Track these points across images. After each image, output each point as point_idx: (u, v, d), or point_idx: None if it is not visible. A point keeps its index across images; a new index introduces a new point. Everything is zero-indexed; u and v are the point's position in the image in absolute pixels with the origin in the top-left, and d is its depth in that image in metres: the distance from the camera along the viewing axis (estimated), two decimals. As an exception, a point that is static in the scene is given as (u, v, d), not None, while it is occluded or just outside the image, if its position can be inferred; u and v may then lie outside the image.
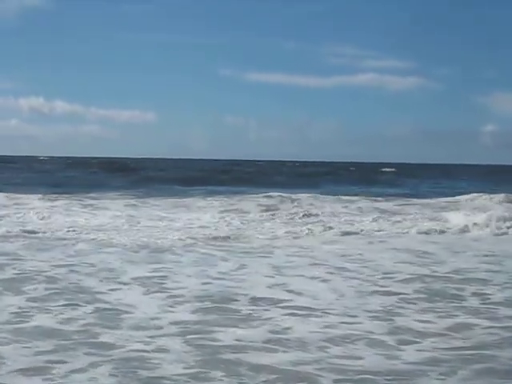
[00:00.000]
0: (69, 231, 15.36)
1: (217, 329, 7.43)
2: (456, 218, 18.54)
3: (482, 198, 25.29)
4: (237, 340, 7.04)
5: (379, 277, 10.69)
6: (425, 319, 8.00)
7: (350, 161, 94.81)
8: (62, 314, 7.93)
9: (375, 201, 24.73)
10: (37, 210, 19.27)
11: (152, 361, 6.35)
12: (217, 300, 8.79)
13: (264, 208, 21.62)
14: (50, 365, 6.17)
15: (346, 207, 22.19)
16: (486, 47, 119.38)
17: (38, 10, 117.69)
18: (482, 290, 9.77)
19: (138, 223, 17.18)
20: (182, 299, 8.81)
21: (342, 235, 16.31)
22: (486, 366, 6.37)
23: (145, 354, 6.51)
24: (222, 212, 20.48)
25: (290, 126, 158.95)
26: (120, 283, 9.80)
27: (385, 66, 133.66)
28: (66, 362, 6.24)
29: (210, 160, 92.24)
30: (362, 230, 16.86)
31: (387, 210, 21.39)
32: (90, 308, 8.24)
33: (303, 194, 26.29)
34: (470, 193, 26.99)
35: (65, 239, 14.37)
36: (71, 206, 21.26)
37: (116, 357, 6.41)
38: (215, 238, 15.05)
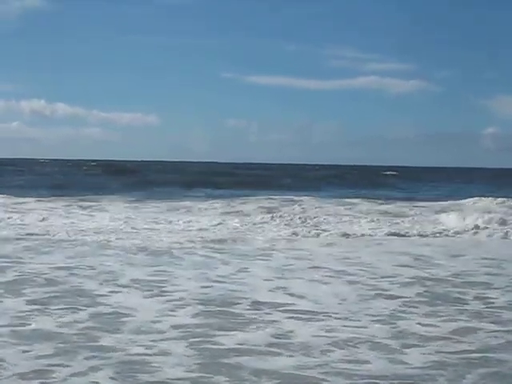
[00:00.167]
0: (68, 233, 15.35)
1: (218, 332, 7.36)
2: (453, 221, 18.60)
3: (482, 202, 25.26)
4: (239, 344, 6.97)
5: (379, 280, 10.65)
6: (428, 323, 7.93)
7: (351, 164, 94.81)
8: (61, 317, 7.86)
9: (375, 204, 24.69)
10: (37, 213, 19.24)
11: (153, 364, 6.28)
12: (218, 303, 8.72)
13: (265, 211, 21.56)
14: (50, 368, 6.10)
15: (346, 210, 22.17)
16: (487, 49, 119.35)
17: (39, 12, 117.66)
18: (484, 293, 9.72)
19: (138, 226, 17.10)
20: (182, 302, 8.74)
21: (341, 238, 16.33)
22: (493, 370, 6.31)
23: (145, 358, 6.45)
24: (222, 215, 20.45)
25: (291, 129, 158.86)
26: (120, 286, 9.74)
27: (386, 69, 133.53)
28: (66, 366, 6.17)
29: (212, 163, 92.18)
30: (360, 233, 16.89)
31: (386, 213, 21.40)
32: (90, 311, 8.17)
33: (304, 197, 26.31)
34: (471, 196, 26.98)
35: (64, 241, 14.33)
36: (71, 208, 21.23)
37: (116, 360, 6.34)
38: (214, 241, 15.01)
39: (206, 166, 74.42)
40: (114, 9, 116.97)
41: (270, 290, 9.68)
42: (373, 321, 7.97)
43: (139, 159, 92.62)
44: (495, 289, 10.08)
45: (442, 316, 8.28)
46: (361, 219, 19.40)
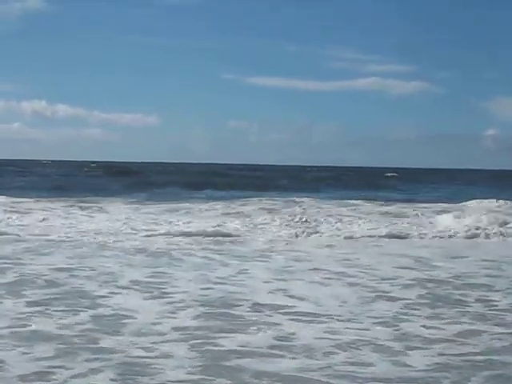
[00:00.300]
0: (68, 234, 15.34)
1: (219, 335, 7.31)
2: (452, 223, 18.57)
3: (482, 204, 25.26)
4: (240, 346, 6.92)
5: (380, 282, 10.61)
6: (431, 325, 7.89)
7: (352, 165, 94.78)
8: (62, 318, 7.81)
9: (375, 205, 24.63)
10: (36, 213, 19.18)
11: (154, 367, 6.24)
12: (218, 305, 8.67)
13: (265, 212, 21.54)
14: (51, 370, 6.06)
15: (346, 211, 22.11)
16: (487, 50, 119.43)
17: (40, 12, 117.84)
18: (485, 295, 9.68)
19: (137, 227, 17.02)
20: (183, 304, 8.69)
21: (340, 239, 16.36)
22: (498, 372, 6.26)
23: (146, 360, 6.40)
24: (222, 216, 20.41)
25: (291, 130, 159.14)
26: (120, 287, 9.70)
27: (386, 70, 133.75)
28: (66, 368, 6.12)
29: (212, 164, 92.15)
30: (360, 235, 16.92)
31: (386, 215, 21.34)
32: (90, 313, 8.12)
33: (305, 198, 26.28)
34: (471, 198, 26.98)
35: (64, 242, 14.32)
36: (71, 209, 21.15)
37: (117, 362, 6.29)
38: (214, 242, 15.01)
39: (206, 167, 74.38)
40: (115, 10, 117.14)
41: (270, 292, 9.64)
42: (375, 323, 7.92)
43: (140, 160, 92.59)
44: (497, 291, 10.04)
45: (445, 318, 8.24)
46: (360, 221, 19.34)
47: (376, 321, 8.02)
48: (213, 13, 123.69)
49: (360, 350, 6.86)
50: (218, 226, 17.32)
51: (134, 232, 16.15)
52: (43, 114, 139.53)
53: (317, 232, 17.11)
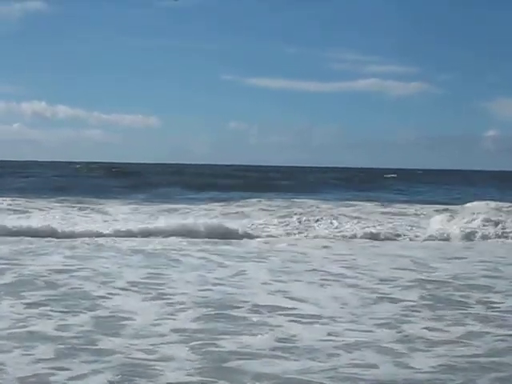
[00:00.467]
0: (66, 235, 15.38)
1: (220, 336, 7.24)
2: (448, 224, 18.56)
3: (480, 205, 25.24)
4: (241, 348, 6.86)
5: (379, 283, 10.57)
6: (434, 327, 7.84)
7: (352, 166, 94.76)
8: (61, 319, 7.76)
9: (374, 206, 24.50)
10: (36, 214, 19.13)
11: (153, 368, 6.18)
12: (218, 307, 8.61)
13: (264, 212, 21.50)
14: (50, 371, 6.02)
15: (344, 212, 22.02)
16: (488, 52, 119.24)
17: (40, 14, 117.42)
18: (487, 297, 9.64)
19: (136, 227, 16.93)
20: (182, 306, 8.63)
21: (336, 240, 16.46)
22: (504, 374, 6.22)
23: (146, 362, 6.35)
24: (221, 217, 20.36)
25: (291, 131, 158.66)
26: (118, 289, 9.64)
27: (387, 72, 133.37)
28: (66, 369, 6.07)
29: (212, 165, 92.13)
30: (356, 235, 17.03)
31: (384, 216, 21.26)
32: (89, 314, 8.06)
33: (304, 199, 26.26)
34: (470, 199, 26.98)
35: (62, 243, 14.34)
36: (70, 209, 21.08)
37: (117, 364, 6.24)
38: (211, 242, 15.05)
39: (206, 169, 74.35)
40: (115, 11, 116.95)
41: (269, 294, 9.58)
42: (377, 325, 7.87)
43: (140, 161, 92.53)
44: (497, 292, 10.01)
45: (447, 320, 8.19)
46: (358, 221, 19.31)
47: (378, 322, 7.97)
48: (213, 14, 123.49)
49: (363, 351, 6.81)
50: (217, 226, 17.30)
51: (133, 232, 16.12)
52: (43, 115, 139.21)
53: (314, 232, 17.13)
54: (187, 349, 6.79)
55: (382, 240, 16.80)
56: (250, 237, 16.33)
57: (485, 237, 17.37)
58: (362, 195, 32.67)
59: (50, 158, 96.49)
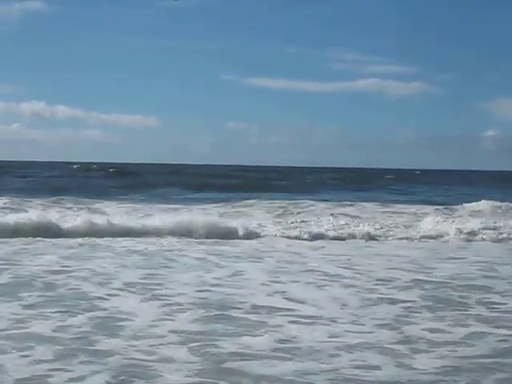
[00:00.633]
0: (64, 234, 15.36)
1: (219, 337, 7.18)
2: (442, 225, 18.59)
3: (478, 205, 25.22)
4: (241, 349, 6.79)
5: (377, 284, 10.52)
6: (435, 328, 7.78)
7: (352, 166, 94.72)
8: (59, 320, 7.69)
9: (371, 206, 24.43)
10: (34, 214, 19.01)
11: (153, 370, 6.12)
12: (217, 307, 8.55)
13: (263, 212, 21.57)
14: (49, 373, 5.96)
15: (341, 212, 22.04)
16: (487, 52, 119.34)
17: (40, 14, 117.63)
18: (486, 297, 9.60)
19: (135, 227, 16.84)
20: (181, 306, 8.57)
21: (332, 240, 16.54)
22: (509, 375, 6.16)
23: (145, 363, 6.29)
24: (220, 217, 20.30)
25: (291, 131, 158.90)
26: (116, 289, 9.58)
27: (386, 72, 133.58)
28: (64, 371, 6.02)
29: (212, 165, 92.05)
30: (352, 235, 17.12)
31: (380, 216, 21.28)
32: (87, 315, 7.99)
33: (303, 199, 26.19)
34: (468, 199, 26.94)
35: (60, 243, 14.30)
36: (69, 210, 21.03)
37: (115, 365, 6.18)
38: (208, 243, 15.05)
39: (205, 169, 74.31)
40: (114, 11, 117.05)
41: (268, 294, 9.51)
42: (378, 325, 7.80)
43: (139, 161, 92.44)
44: (496, 293, 9.96)
45: (448, 321, 8.13)
46: (355, 221, 19.31)
47: (378, 323, 7.91)
48: (213, 14, 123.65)
49: (364, 353, 6.74)
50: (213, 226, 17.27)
51: (131, 232, 16.06)
52: (42, 115, 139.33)
53: (312, 232, 17.08)
54: (186, 350, 6.72)
55: (378, 240, 16.84)
56: (247, 237, 16.30)
57: (480, 237, 17.34)
58: (360, 195, 32.68)
59: (49, 159, 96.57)
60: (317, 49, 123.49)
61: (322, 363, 6.39)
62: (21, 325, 7.49)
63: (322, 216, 20.09)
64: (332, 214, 20.76)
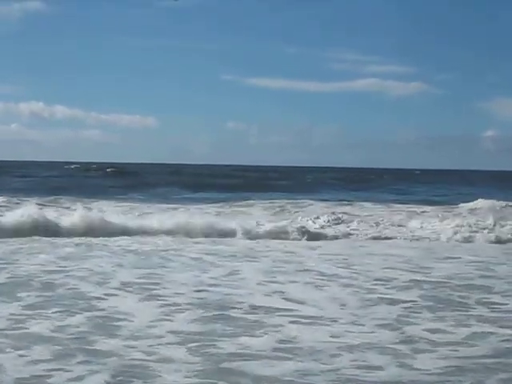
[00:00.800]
0: (61, 234, 15.33)
1: (218, 338, 7.12)
2: (437, 225, 18.59)
3: (476, 205, 25.19)
4: (240, 349, 6.73)
5: (374, 283, 10.46)
6: (436, 328, 7.72)
7: (351, 166, 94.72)
8: (57, 320, 7.64)
9: (370, 206, 24.35)
10: (31, 214, 18.92)
11: (151, 370, 6.07)
12: (215, 307, 8.48)
13: (260, 212, 21.47)
14: (48, 373, 5.91)
15: (341, 212, 21.91)
16: (487, 52, 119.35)
17: (39, 14, 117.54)
18: (486, 297, 9.55)
19: (133, 226, 16.76)
20: (179, 306, 8.51)
21: (329, 239, 16.57)
22: (512, 375, 6.13)
23: (144, 363, 6.24)
24: (218, 216, 20.23)
25: (291, 131, 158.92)
26: (114, 289, 9.53)
27: (386, 71, 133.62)
28: (63, 371, 5.97)
29: (211, 165, 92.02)
30: (348, 235, 17.19)
31: (378, 215, 21.17)
32: (85, 315, 7.94)
33: (302, 199, 26.16)
34: (466, 199, 26.94)
35: (55, 242, 14.28)
36: (67, 209, 20.94)
37: (114, 366, 6.13)
38: (205, 241, 15.06)
39: (205, 169, 74.28)
40: (114, 11, 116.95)
41: (266, 294, 9.44)
42: (378, 326, 7.74)
43: (139, 161, 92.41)
44: (496, 293, 9.91)
45: (449, 321, 8.07)
46: (353, 221, 19.26)
47: (379, 323, 7.84)
48: (213, 14, 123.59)
49: (366, 353, 6.68)
50: (210, 225, 17.25)
51: (130, 231, 16.05)
52: (41, 115, 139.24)
53: (308, 232, 17.09)
54: (185, 350, 6.67)
55: (375, 239, 16.84)
56: (244, 236, 16.25)
57: (475, 236, 17.32)
58: (360, 195, 32.65)
59: (48, 158, 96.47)
60: (317, 49, 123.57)
61: (322, 363, 6.33)
62: (19, 325, 7.43)
63: (320, 215, 20.00)
64: (332, 213, 20.67)
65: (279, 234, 16.65)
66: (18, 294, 8.92)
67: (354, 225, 18.65)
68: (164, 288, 9.67)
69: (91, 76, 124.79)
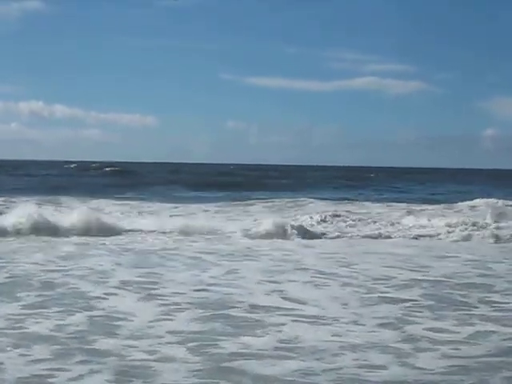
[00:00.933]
0: (59, 233, 15.34)
1: (218, 337, 7.08)
2: (434, 224, 18.55)
3: (473, 203, 25.22)
4: (241, 349, 6.70)
5: (374, 282, 10.42)
6: (438, 327, 7.68)
7: (350, 165, 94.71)
8: (57, 320, 7.61)
9: (369, 205, 24.45)
10: (29, 213, 18.91)
11: (152, 370, 6.04)
12: (215, 307, 8.44)
13: (260, 211, 21.45)
14: (49, 373, 5.89)
15: (339, 210, 21.88)
16: (487, 51, 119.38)
17: (39, 13, 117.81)
18: (486, 296, 9.52)
19: (132, 226, 16.78)
20: (179, 306, 8.47)
21: (327, 238, 16.58)
22: (517, 373, 6.09)
23: (144, 363, 6.21)
24: (217, 215, 20.23)
25: (291, 131, 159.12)
26: (113, 288, 9.50)
27: (386, 70, 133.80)
28: (64, 370, 5.95)
29: (211, 164, 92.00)
30: (347, 234, 17.16)
31: (378, 215, 21.19)
32: (85, 314, 7.91)
33: (301, 198, 26.17)
34: (466, 198, 26.96)
35: (53, 241, 14.28)
36: (64, 208, 20.89)
37: (114, 365, 6.10)
38: (203, 240, 15.07)
39: (204, 168, 74.28)
40: (114, 11, 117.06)
41: (266, 294, 9.40)
42: (380, 325, 7.71)
43: (138, 160, 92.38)
44: (496, 292, 9.89)
45: (451, 319, 8.05)
46: (351, 219, 19.25)
47: (380, 322, 7.82)
48: (212, 13, 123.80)
49: (368, 352, 6.64)
50: (212, 225, 17.22)
51: (128, 231, 16.03)
52: (40, 115, 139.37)
53: (307, 231, 17.10)
54: (185, 349, 6.64)
55: (374, 238, 16.85)
56: (243, 235, 16.24)
57: (472, 235, 17.30)
58: (359, 193, 32.61)
59: (47, 158, 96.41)
60: (316, 48, 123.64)
61: (324, 363, 6.30)
62: (19, 324, 7.41)
63: (319, 214, 19.98)
64: (331, 212, 20.66)
65: (278, 233, 16.60)
66: (18, 294, 8.89)
67: (352, 223, 18.64)
68: (163, 287, 9.64)
69: (91, 75, 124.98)
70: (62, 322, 7.51)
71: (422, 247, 15.32)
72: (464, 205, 24.83)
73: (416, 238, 17.05)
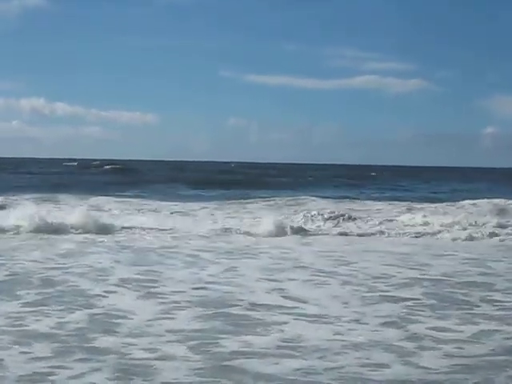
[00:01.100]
0: (61, 231, 15.29)
1: (219, 335, 7.03)
2: (432, 222, 18.51)
3: (472, 203, 25.15)
4: (242, 347, 6.66)
5: (375, 281, 10.38)
6: (441, 326, 7.65)
7: (350, 163, 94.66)
8: (57, 317, 7.59)
9: (367, 204, 24.38)
10: (29, 211, 18.87)
11: (152, 368, 6.01)
12: (215, 305, 8.41)
13: (259, 209, 21.39)
14: (50, 370, 5.86)
15: (339, 208, 21.84)
16: (487, 49, 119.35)
17: (39, 11, 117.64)
18: (487, 295, 9.49)
19: (131, 225, 16.69)
20: (178, 304, 8.44)
21: (325, 236, 16.56)
22: (521, 372, 6.05)
23: (145, 361, 6.17)
24: (216, 213, 20.18)
25: (291, 129, 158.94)
26: (113, 286, 9.48)
27: (386, 69, 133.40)
28: (64, 368, 5.92)
29: (211, 162, 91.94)
30: (345, 232, 17.16)
31: (377, 214, 21.13)
32: (85, 312, 7.89)
33: (301, 196, 26.11)
34: (465, 197, 26.93)
35: (53, 239, 14.26)
36: (64, 206, 20.88)
37: (114, 363, 6.07)
38: (201, 239, 15.05)
39: (205, 166, 74.24)
40: (114, 9, 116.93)
41: (266, 292, 9.37)
42: (382, 323, 7.67)
43: (139, 158, 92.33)
44: (497, 290, 9.85)
45: (453, 318, 8.01)
46: (350, 218, 19.22)
47: (382, 321, 7.78)
48: (212, 11, 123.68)
49: (370, 351, 6.60)
50: (211, 223, 17.19)
51: (128, 230, 15.98)
52: (42, 112, 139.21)
53: (304, 229, 17.08)
54: (186, 348, 6.60)
55: (373, 236, 16.83)
56: (242, 233, 16.21)
57: (472, 234, 17.20)
58: (360, 192, 32.56)
59: (48, 155, 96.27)
60: (316, 46, 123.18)
61: (326, 361, 6.25)
62: (19, 322, 7.39)
63: (318, 212, 19.92)
64: (331, 210, 20.61)
65: (278, 231, 16.56)
66: (18, 292, 8.87)
67: (352, 221, 18.63)
68: (163, 285, 9.61)
69: (91, 73, 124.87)
70: (61, 320, 7.49)
71: (419, 245, 15.28)
72: (465, 203, 24.78)
73: (415, 236, 17.00)
